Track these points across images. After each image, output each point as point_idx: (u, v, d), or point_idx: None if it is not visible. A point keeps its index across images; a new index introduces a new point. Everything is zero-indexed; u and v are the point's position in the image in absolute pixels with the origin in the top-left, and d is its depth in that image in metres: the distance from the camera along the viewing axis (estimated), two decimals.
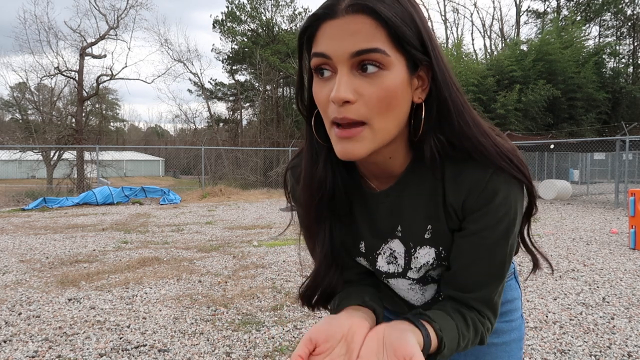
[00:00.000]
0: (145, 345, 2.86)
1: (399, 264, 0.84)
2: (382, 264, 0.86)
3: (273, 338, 2.98)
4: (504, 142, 0.72)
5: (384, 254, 0.85)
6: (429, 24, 0.71)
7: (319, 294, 0.84)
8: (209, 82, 32.62)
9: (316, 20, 0.66)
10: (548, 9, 29.13)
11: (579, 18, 25.24)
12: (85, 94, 21.24)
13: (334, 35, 0.64)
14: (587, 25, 26.73)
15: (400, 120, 0.69)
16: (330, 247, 0.81)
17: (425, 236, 0.79)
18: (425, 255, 0.81)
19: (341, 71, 0.64)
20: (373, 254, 0.86)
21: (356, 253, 0.87)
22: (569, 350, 2.79)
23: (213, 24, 27.86)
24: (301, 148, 0.85)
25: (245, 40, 27.56)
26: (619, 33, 28.54)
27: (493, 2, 53.49)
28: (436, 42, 0.69)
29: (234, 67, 29.10)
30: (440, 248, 0.79)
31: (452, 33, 30.04)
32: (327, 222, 0.81)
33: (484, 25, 40.42)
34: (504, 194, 0.71)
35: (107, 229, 7.83)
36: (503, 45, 27.54)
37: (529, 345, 2.86)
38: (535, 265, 0.86)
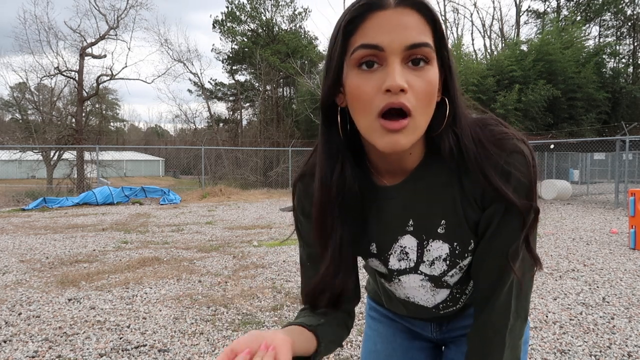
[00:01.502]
0: (145, 345, 2.86)
1: (410, 259, 0.85)
2: (393, 262, 0.86)
3: None
4: (502, 160, 0.72)
5: (394, 253, 0.85)
6: None
7: (328, 296, 0.84)
8: (209, 82, 32.67)
9: (365, 11, 0.66)
10: (548, 9, 29.10)
11: (579, 18, 25.20)
12: (85, 94, 21.25)
13: (387, 26, 0.65)
14: (587, 25, 26.68)
15: (430, 116, 0.70)
16: (343, 248, 0.81)
17: (439, 230, 0.80)
18: (438, 249, 0.81)
19: (393, 62, 0.65)
20: (385, 255, 0.86)
21: (368, 255, 0.88)
22: (569, 350, 2.79)
23: (213, 24, 27.87)
24: (309, 155, 0.85)
25: (245, 40, 27.55)
26: (619, 33, 28.51)
27: (493, 2, 53.20)
28: None
29: (234, 67, 29.10)
30: (455, 244, 0.80)
31: (452, 33, 29.89)
32: (340, 222, 0.80)
33: (484, 25, 40.30)
34: (499, 213, 0.75)
35: (107, 229, 7.83)
36: (503, 45, 27.50)
37: (529, 345, 2.86)
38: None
